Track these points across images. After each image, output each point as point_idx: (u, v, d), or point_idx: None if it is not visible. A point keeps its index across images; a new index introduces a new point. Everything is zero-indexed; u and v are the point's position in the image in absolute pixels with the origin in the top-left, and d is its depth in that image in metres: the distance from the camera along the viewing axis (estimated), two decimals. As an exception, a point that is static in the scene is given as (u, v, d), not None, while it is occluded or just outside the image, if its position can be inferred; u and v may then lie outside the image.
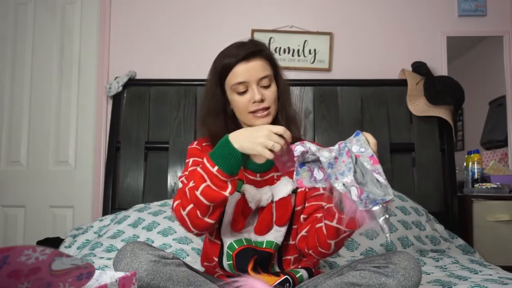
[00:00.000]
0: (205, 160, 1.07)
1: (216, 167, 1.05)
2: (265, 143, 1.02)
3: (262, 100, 1.20)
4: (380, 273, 1.03)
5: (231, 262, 1.21)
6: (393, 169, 2.39)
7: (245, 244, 1.21)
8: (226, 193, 1.05)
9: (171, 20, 2.62)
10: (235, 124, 1.28)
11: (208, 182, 1.05)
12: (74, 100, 2.65)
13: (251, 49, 1.20)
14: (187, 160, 1.28)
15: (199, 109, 1.33)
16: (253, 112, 1.21)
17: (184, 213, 1.10)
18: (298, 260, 1.28)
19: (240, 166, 1.06)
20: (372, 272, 1.04)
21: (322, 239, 1.14)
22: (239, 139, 1.05)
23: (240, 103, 1.21)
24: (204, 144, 1.30)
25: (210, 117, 1.26)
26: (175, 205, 1.14)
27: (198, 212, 1.08)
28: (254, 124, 1.22)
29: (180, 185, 1.22)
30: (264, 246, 1.21)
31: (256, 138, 1.03)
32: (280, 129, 1.04)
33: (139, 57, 2.59)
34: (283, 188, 1.23)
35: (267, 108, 1.21)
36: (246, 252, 1.20)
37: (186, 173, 1.23)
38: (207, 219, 1.09)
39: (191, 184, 1.09)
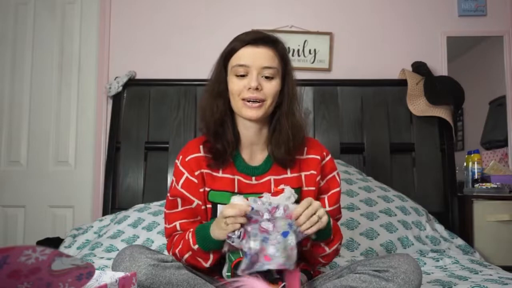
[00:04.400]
0: (190, 235, 1.14)
1: (196, 246, 1.12)
2: (228, 228, 1.03)
3: (257, 89, 1.14)
4: (380, 277, 1.03)
5: (229, 274, 1.18)
6: (393, 169, 2.39)
7: (241, 256, 1.16)
8: (207, 265, 1.14)
9: (171, 20, 2.62)
10: (232, 112, 1.24)
11: (191, 253, 1.14)
12: (74, 100, 2.65)
13: (264, 35, 1.18)
14: (173, 177, 1.27)
15: (202, 93, 1.29)
16: (245, 100, 1.16)
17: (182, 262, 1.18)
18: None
19: (219, 247, 1.10)
20: (372, 276, 1.04)
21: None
22: (215, 227, 1.08)
23: (235, 86, 1.16)
24: (188, 158, 1.24)
25: (212, 98, 1.22)
26: (170, 254, 1.21)
27: (192, 266, 1.16)
28: (242, 113, 1.18)
29: (166, 218, 1.27)
30: None
31: (220, 225, 1.05)
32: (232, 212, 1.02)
33: (139, 57, 2.59)
34: (285, 201, 1.16)
35: (262, 100, 1.16)
36: None
37: (170, 198, 1.26)
38: (204, 264, 1.16)
39: (180, 245, 1.17)
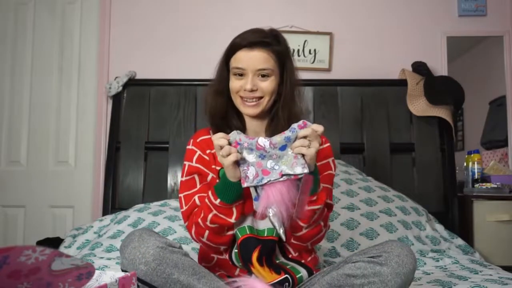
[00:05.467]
0: (209, 193, 1.16)
1: (218, 200, 1.13)
2: (222, 156, 1.07)
3: (252, 90, 1.22)
4: (375, 262, 1.06)
5: (237, 250, 1.22)
6: (393, 169, 2.39)
7: (248, 233, 1.20)
8: (232, 220, 1.15)
9: (171, 20, 2.62)
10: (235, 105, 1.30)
11: (215, 212, 1.14)
12: (74, 100, 2.65)
13: (258, 39, 1.22)
14: (184, 162, 1.31)
15: (208, 87, 1.37)
16: (243, 98, 1.24)
17: (204, 239, 1.19)
18: (299, 247, 1.27)
19: (239, 193, 1.12)
20: (366, 262, 1.07)
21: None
22: (227, 175, 1.11)
23: (233, 84, 1.24)
24: (199, 139, 1.32)
25: (214, 95, 1.29)
26: (193, 233, 1.22)
27: (215, 233, 1.17)
28: (241, 110, 1.27)
29: (181, 200, 1.27)
30: (266, 234, 1.21)
31: (221, 162, 1.09)
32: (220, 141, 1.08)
33: (139, 57, 2.59)
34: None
35: (259, 98, 1.23)
36: (249, 242, 1.20)
37: (183, 179, 1.28)
38: (226, 233, 1.18)
39: (202, 214, 1.17)
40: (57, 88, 2.67)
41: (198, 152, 1.29)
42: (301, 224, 1.15)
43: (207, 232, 1.17)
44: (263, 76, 1.22)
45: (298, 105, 1.29)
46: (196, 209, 1.22)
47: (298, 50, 2.56)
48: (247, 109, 1.24)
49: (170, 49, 2.60)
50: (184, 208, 1.25)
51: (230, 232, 1.18)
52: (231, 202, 1.13)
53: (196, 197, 1.24)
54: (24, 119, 2.67)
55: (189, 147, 1.32)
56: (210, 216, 1.14)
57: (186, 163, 1.30)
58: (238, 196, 1.13)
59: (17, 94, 2.68)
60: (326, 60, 2.57)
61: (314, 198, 1.12)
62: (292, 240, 1.22)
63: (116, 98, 2.49)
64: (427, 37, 2.60)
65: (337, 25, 2.60)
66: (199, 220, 1.17)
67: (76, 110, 2.64)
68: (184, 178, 1.28)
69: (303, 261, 1.26)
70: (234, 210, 1.14)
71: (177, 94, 2.47)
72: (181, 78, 2.52)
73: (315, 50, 2.57)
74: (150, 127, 2.46)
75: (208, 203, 1.15)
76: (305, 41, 2.57)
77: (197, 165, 1.27)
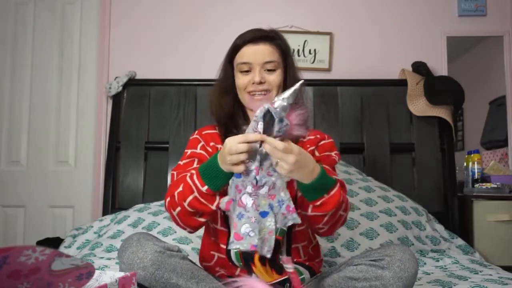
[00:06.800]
0: (195, 178, 1.09)
1: (205, 187, 1.07)
2: (231, 163, 1.01)
3: (261, 83, 1.22)
4: (377, 265, 1.05)
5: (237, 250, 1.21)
6: (393, 169, 2.39)
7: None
8: (213, 207, 1.09)
9: (171, 20, 2.62)
10: (241, 104, 1.30)
11: (196, 194, 1.09)
12: (74, 100, 2.65)
13: (262, 34, 1.25)
14: (186, 150, 1.31)
15: (212, 88, 1.37)
16: (251, 92, 1.24)
17: (174, 213, 1.14)
18: (307, 248, 1.26)
19: (227, 181, 1.06)
20: (368, 265, 1.06)
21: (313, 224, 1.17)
22: (221, 160, 1.05)
23: (240, 81, 1.25)
24: (204, 132, 1.33)
25: (219, 95, 1.30)
26: (167, 203, 1.16)
27: (187, 214, 1.12)
28: (250, 105, 1.25)
29: (173, 177, 1.24)
30: None
31: (225, 159, 1.02)
32: (240, 139, 1.00)
33: (139, 57, 2.59)
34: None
35: (267, 91, 1.23)
36: None
37: (181, 163, 1.27)
38: (198, 219, 1.13)
39: (180, 188, 1.11)
40: (57, 88, 2.67)
41: (203, 142, 1.31)
42: (319, 226, 1.14)
43: (179, 208, 1.12)
44: (269, 70, 1.23)
45: (302, 102, 1.28)
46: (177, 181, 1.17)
47: (298, 50, 2.56)
48: (257, 103, 1.18)
49: (170, 49, 2.60)
50: (174, 182, 1.20)
51: (202, 219, 1.13)
52: (218, 189, 1.08)
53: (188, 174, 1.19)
54: (24, 119, 2.67)
55: (194, 136, 1.34)
56: (190, 197, 1.09)
57: (189, 150, 1.30)
58: (225, 184, 1.08)
59: (17, 94, 2.68)
60: (326, 60, 2.57)
61: (318, 203, 1.08)
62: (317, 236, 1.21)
63: (116, 98, 2.49)
64: (427, 37, 2.60)
65: (337, 25, 2.60)
66: (176, 193, 1.12)
67: (76, 110, 2.64)
68: (182, 162, 1.27)
69: (307, 263, 1.26)
70: (217, 197, 1.09)
71: (177, 94, 2.47)
72: (181, 78, 2.51)
73: (315, 50, 2.57)
74: (150, 127, 2.46)
75: (192, 185, 1.09)
76: (305, 41, 2.57)
77: (201, 151, 1.28)
